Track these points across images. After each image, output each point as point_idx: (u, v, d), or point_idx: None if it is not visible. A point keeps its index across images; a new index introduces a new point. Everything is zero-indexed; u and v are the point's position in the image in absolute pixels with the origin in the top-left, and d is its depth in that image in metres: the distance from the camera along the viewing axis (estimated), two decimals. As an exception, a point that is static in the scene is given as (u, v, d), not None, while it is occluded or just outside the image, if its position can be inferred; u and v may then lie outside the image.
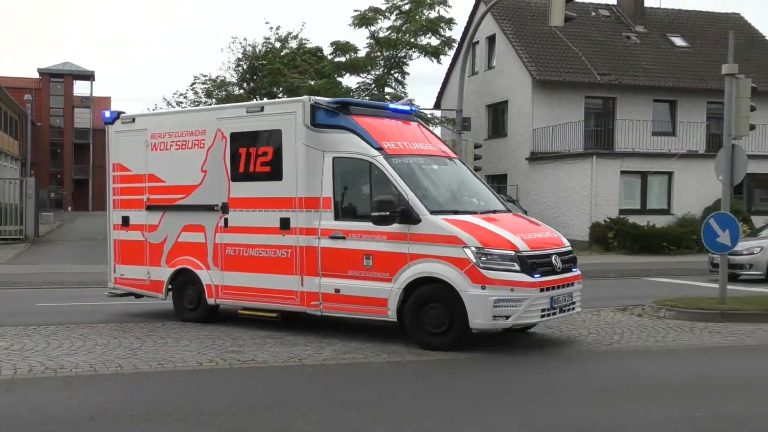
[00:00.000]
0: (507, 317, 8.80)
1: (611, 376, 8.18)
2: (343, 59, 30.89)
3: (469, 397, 7.01)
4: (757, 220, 26.49)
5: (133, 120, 11.84)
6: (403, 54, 31.14)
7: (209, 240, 10.81)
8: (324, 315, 9.89)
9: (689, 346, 9.75)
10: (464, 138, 20.49)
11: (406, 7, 30.42)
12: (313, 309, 9.83)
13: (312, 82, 30.41)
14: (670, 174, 28.11)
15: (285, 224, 10.02)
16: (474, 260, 8.75)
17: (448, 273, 8.86)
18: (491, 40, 34.05)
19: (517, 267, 8.75)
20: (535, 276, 8.81)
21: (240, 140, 10.54)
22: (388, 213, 9.05)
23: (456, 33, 58.17)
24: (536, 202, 29.63)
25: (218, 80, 35.11)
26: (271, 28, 42.07)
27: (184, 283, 11.18)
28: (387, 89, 30.96)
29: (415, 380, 7.76)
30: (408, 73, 32.54)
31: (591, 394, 7.29)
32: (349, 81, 32.03)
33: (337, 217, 9.61)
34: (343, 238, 9.49)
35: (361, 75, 31.34)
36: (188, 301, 11.25)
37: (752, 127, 12.87)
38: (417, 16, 30.25)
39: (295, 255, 9.89)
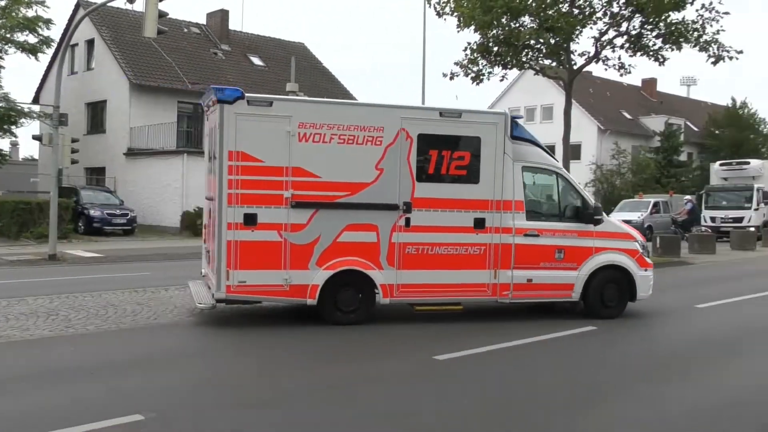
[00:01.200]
0: (649, 292, 11.78)
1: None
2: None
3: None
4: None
5: (270, 104, 9.90)
6: (-2, 48, 30.50)
7: (383, 239, 10.26)
8: (512, 302, 10.98)
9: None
10: (61, 133, 21.24)
11: (2, 3, 29.88)
12: (503, 297, 10.83)
13: None
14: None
15: (480, 224, 10.62)
16: (641, 251, 11.60)
17: (625, 261, 11.47)
18: (90, 43, 34.95)
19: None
20: None
21: (430, 142, 10.37)
22: (581, 215, 11.22)
23: (56, 33, 56.76)
24: (133, 193, 31.42)
25: None
26: None
27: (339, 285, 10.12)
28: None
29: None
30: (3, 67, 31.78)
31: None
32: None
33: (528, 218, 10.94)
34: (537, 235, 10.96)
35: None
36: (345, 304, 10.28)
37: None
38: (14, 13, 29.86)
39: (489, 251, 10.67)
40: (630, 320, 11.28)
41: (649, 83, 61.66)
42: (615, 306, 11.49)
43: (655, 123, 53.42)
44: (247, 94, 9.83)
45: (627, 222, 31.35)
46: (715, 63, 18.53)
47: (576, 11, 19.28)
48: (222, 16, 38.27)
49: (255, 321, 10.62)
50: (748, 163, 37.15)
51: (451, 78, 20.11)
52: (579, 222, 11.20)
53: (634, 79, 74.30)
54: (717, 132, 54.20)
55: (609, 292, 11.44)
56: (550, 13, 18.63)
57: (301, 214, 10.00)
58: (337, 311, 10.26)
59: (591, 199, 11.39)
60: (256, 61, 38.65)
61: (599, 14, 19.31)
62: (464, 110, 10.80)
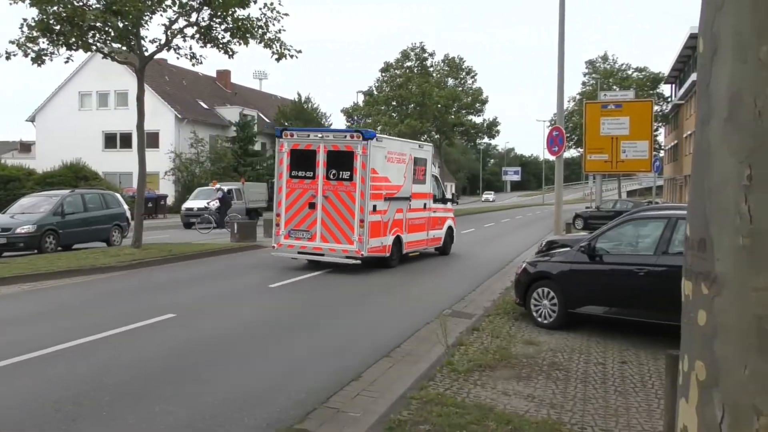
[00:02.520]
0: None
1: None
2: None
3: None
4: None
5: (381, 140, 17.70)
6: None
7: (405, 217, 18.67)
8: (426, 248, 19.41)
9: None
10: None
11: None
12: (429, 246, 20.30)
13: None
14: None
15: (425, 206, 19.99)
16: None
17: (452, 224, 20.80)
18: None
19: None
20: None
21: (416, 161, 19.54)
22: (444, 199, 21.76)
23: None
24: None
25: None
26: None
27: (393, 244, 18.21)
28: None
29: None
30: None
31: None
32: None
33: (433, 202, 20.69)
34: (436, 212, 21.35)
35: None
36: (394, 255, 18.51)
37: None
38: None
39: (428, 222, 20.52)
40: (209, 304, 11.88)
41: (224, 74, 63.29)
42: (449, 246, 21.27)
43: (231, 113, 55.05)
44: (377, 135, 17.48)
45: (203, 209, 31.20)
46: (278, 59, 19.33)
47: (145, -3, 18.55)
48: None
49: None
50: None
51: (8, 58, 17.96)
52: (443, 203, 21.03)
53: (209, 70, 75.66)
54: (286, 124, 56.66)
55: (447, 240, 21.21)
56: (117, -5, 17.67)
57: (386, 205, 17.43)
58: (392, 260, 17.68)
59: (444, 190, 20.41)
60: None
61: (169, 2, 18.87)
62: (424, 143, 20.75)
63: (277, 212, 17.30)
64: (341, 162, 16.71)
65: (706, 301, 2.35)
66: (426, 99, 54.27)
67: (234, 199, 32.79)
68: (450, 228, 21.10)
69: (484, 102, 64.06)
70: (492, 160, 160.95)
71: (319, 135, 17.17)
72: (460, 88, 63.28)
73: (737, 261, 2.25)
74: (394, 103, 55.58)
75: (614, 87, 65.05)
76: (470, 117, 64.20)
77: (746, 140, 2.23)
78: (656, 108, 64.18)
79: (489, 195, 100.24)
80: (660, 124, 72.54)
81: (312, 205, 17.00)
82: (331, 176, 16.85)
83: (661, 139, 78.01)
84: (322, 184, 16.95)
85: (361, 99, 57.34)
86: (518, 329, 9.86)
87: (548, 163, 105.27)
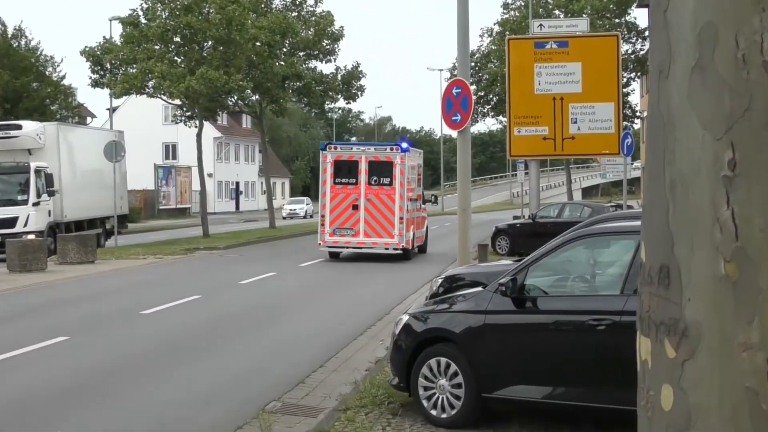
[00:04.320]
0: None
1: None
2: None
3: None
4: None
5: (411, 152, 24.03)
6: None
7: (414, 216, 24.58)
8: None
9: None
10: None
11: None
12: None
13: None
14: None
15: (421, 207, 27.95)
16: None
17: (427, 223, 29.22)
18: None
19: None
20: None
21: (419, 166, 27.15)
22: (425, 201, 27.85)
23: None
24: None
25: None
26: None
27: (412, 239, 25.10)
28: None
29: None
30: None
31: None
32: None
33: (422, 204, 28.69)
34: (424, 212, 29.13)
35: None
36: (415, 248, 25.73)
37: None
38: None
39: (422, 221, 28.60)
40: None
41: None
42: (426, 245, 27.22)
43: None
44: (411, 147, 25.24)
45: None
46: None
47: None
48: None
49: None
50: (20, 127, 27.28)
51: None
52: (424, 204, 26.72)
53: None
54: None
55: (426, 239, 26.80)
56: None
57: (414, 205, 24.19)
58: (411, 252, 24.36)
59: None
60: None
61: None
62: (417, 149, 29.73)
63: (322, 214, 23.64)
64: (381, 170, 22.97)
65: (672, 369, 1.79)
66: (235, 31, 33.30)
67: None
68: (427, 228, 27.47)
69: (337, 38, 40.67)
70: (353, 139, 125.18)
71: (362, 148, 24.72)
72: (295, 13, 41.09)
73: (718, 301, 1.69)
74: (177, 39, 34.71)
75: (556, 12, 41.59)
76: (313, 64, 42.49)
77: (725, 103, 1.67)
78: (626, 47, 41.04)
79: (294, 206, 65.31)
80: (633, 75, 44.07)
81: (355, 207, 22.89)
82: (373, 182, 22.99)
83: (635, 99, 49.94)
84: (365, 189, 22.91)
85: (117, 32, 37.11)
86: (398, 434, 8.10)
87: (450, 143, 78.54)
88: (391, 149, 23.75)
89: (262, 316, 14.74)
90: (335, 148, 24.16)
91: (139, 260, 25.14)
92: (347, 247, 23.87)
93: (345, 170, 23.18)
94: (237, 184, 77.45)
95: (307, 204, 64.46)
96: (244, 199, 76.79)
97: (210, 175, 54.49)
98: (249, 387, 9.31)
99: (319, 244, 23.87)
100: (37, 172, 25.14)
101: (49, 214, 25.78)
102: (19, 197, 24.91)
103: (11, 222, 24.38)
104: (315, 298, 17.18)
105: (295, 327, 13.47)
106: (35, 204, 24.90)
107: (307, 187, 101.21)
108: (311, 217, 56.27)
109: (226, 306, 15.74)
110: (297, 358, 10.69)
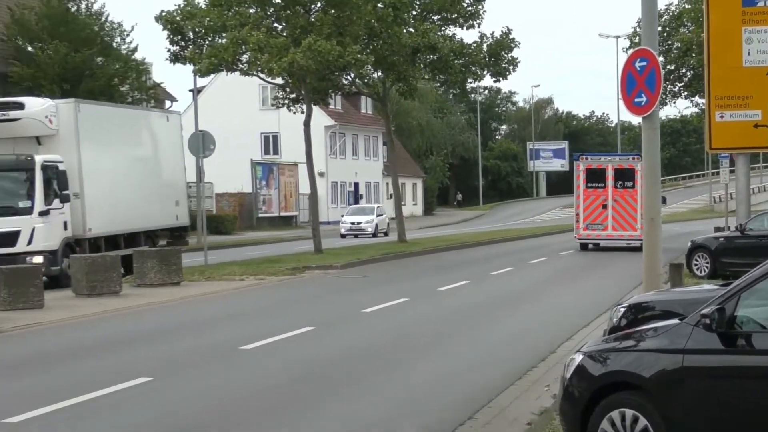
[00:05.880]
0: None
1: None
2: None
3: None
4: None
5: (578, 159, 39.10)
6: None
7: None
8: None
9: None
10: None
11: None
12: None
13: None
14: None
15: None
16: None
17: None
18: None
19: None
20: None
21: None
22: None
23: None
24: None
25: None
26: None
27: None
28: None
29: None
30: None
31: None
32: None
33: None
34: None
35: None
36: None
37: None
38: None
39: None
40: None
41: None
42: None
43: None
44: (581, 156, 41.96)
45: None
46: None
47: None
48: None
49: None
50: (21, 106, 25.39)
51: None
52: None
53: None
54: (31, 49, 41.78)
55: None
56: None
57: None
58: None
59: None
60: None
61: None
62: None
63: (576, 212, 37.54)
64: (625, 176, 36.57)
65: None
66: None
67: None
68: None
69: None
70: (503, 128, 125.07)
71: (608, 158, 39.45)
72: None
73: None
74: (277, 1, 35.68)
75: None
76: (450, 31, 42.35)
77: None
78: None
79: (358, 218, 57.67)
80: None
81: (604, 206, 36.61)
82: (618, 185, 36.73)
83: None
84: (612, 192, 36.61)
85: None
86: None
87: (630, 132, 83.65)
88: (633, 158, 37.17)
89: (390, 353, 14.93)
90: (586, 158, 38.57)
91: (235, 282, 25.91)
92: (598, 240, 37.84)
93: (595, 176, 36.95)
94: (356, 185, 77.28)
95: (379, 215, 57.62)
96: (380, 206, 73.51)
97: (321, 174, 56.33)
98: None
99: (575, 237, 38.20)
100: (45, 168, 23.56)
101: (65, 227, 24.17)
102: (21, 204, 23.35)
103: (10, 238, 23.11)
104: (455, 332, 17.25)
105: (432, 368, 13.64)
106: (43, 213, 23.25)
107: (445, 190, 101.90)
108: (385, 234, 54.36)
109: (345, 341, 16.24)
110: (437, 410, 10.77)
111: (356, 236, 52.70)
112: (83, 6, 43.65)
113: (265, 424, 10.32)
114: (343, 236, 52.39)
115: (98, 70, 41.30)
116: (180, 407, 11.16)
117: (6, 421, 10.25)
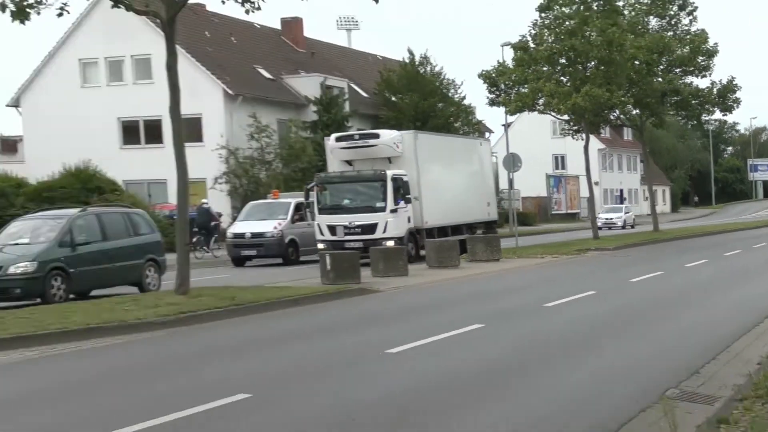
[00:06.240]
0: None
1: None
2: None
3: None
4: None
5: None
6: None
7: None
8: None
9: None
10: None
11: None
12: None
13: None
14: None
15: None
16: None
17: None
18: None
19: None
20: None
21: None
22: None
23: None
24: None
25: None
26: None
27: None
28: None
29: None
30: None
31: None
32: None
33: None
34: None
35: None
36: None
37: None
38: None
39: None
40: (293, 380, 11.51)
41: (293, 25, 59.10)
42: None
43: (307, 85, 52.26)
44: None
45: (258, 235, 34.05)
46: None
47: None
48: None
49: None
50: (377, 136, 33.92)
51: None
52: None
53: (270, 19, 72.83)
54: (394, 99, 58.09)
55: None
56: None
57: None
58: None
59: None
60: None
61: None
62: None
63: None
64: None
65: None
66: (615, 52, 43.31)
67: (308, 219, 33.56)
68: None
69: (712, 54, 51.22)
70: (728, 149, 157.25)
71: None
72: (671, 33, 51.50)
73: None
74: (562, 61, 45.59)
75: None
76: (689, 79, 53.55)
77: None
78: None
79: (610, 215, 72.09)
80: None
81: None
82: None
83: None
84: None
85: (509, 56, 49.17)
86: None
87: None
88: None
89: (652, 311, 17.73)
90: None
91: (537, 259, 33.15)
92: None
93: None
94: (621, 191, 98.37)
95: (626, 212, 72.77)
96: (627, 205, 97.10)
97: (596, 183, 69.34)
98: (647, 374, 11.09)
99: None
100: (394, 179, 31.32)
101: (409, 221, 31.79)
102: (378, 204, 31.06)
103: (371, 228, 30.85)
104: (701, 296, 20.38)
105: (685, 321, 16.13)
106: (393, 211, 30.98)
107: (686, 194, 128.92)
108: (632, 227, 67.24)
109: (620, 301, 19.45)
110: (688, 350, 12.75)
111: (609, 228, 63.51)
112: (428, 69, 61.41)
113: (567, 356, 12.56)
114: (600, 228, 61.23)
115: (439, 112, 58.27)
116: (507, 345, 13.65)
117: (387, 351, 12.60)
